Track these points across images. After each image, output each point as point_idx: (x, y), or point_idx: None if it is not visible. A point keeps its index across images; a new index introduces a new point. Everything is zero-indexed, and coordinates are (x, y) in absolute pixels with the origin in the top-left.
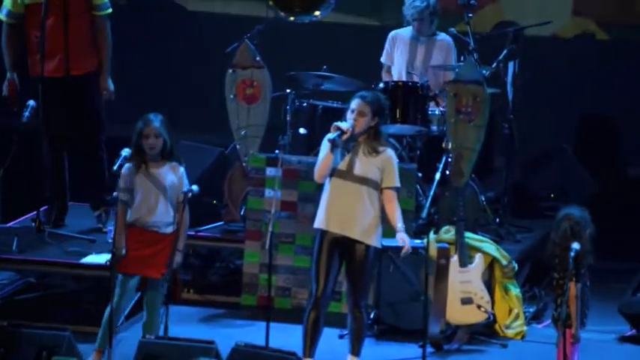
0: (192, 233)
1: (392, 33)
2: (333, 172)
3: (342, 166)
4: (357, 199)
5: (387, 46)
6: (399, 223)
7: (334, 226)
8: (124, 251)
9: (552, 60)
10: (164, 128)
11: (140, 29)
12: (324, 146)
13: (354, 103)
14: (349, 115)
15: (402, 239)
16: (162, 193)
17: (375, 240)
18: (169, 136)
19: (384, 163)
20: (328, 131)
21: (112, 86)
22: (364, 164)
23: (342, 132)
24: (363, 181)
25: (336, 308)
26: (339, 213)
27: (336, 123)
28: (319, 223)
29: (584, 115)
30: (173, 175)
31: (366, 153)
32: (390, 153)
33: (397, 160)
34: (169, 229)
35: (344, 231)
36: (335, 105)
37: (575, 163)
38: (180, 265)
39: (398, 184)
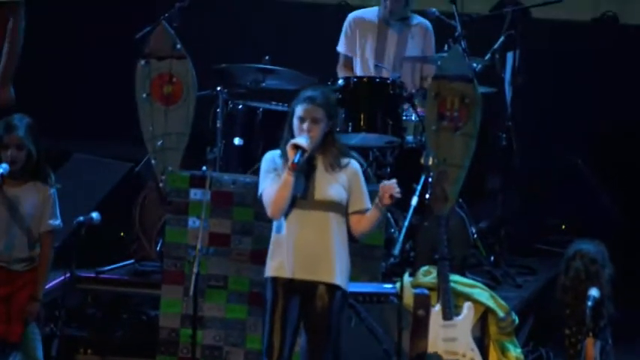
0: (92, 275)
1: (352, 14)
2: (291, 203)
3: (300, 192)
4: (325, 231)
5: (345, 30)
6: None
7: (300, 271)
8: None
9: (565, 50)
10: (30, 137)
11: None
12: (272, 172)
13: (302, 110)
14: (298, 125)
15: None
16: (16, 221)
17: (347, 282)
18: (38, 147)
19: (350, 181)
20: (270, 142)
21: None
22: (327, 184)
23: (304, 151)
24: (329, 206)
25: None
26: (305, 254)
27: (293, 141)
28: (279, 269)
29: (606, 122)
30: (35, 199)
31: (328, 169)
32: (355, 166)
33: (362, 174)
34: (21, 267)
35: (315, 275)
36: (280, 108)
37: (594, 185)
38: (39, 319)
39: (369, 206)
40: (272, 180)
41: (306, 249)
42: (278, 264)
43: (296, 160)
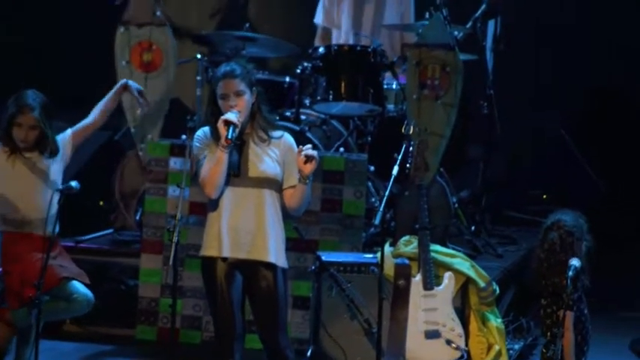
0: (71, 244)
1: None
2: (225, 180)
3: (234, 169)
4: (260, 208)
5: (322, 1)
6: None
7: (238, 250)
8: None
9: (547, 17)
10: (45, 117)
11: None
12: (205, 149)
13: (223, 86)
14: (223, 104)
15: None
16: (40, 180)
17: (284, 260)
18: (51, 125)
19: (284, 155)
20: None
21: None
22: (260, 161)
23: (235, 126)
24: (264, 182)
25: (255, 343)
26: (242, 232)
27: (223, 117)
28: (216, 249)
29: (589, 90)
30: (48, 161)
31: (258, 142)
32: (289, 141)
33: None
34: (56, 229)
35: (252, 254)
36: (260, 76)
37: (577, 155)
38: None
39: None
40: (205, 158)
41: (240, 227)
42: (215, 242)
43: (229, 136)
